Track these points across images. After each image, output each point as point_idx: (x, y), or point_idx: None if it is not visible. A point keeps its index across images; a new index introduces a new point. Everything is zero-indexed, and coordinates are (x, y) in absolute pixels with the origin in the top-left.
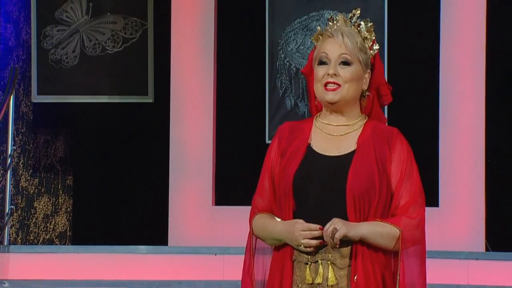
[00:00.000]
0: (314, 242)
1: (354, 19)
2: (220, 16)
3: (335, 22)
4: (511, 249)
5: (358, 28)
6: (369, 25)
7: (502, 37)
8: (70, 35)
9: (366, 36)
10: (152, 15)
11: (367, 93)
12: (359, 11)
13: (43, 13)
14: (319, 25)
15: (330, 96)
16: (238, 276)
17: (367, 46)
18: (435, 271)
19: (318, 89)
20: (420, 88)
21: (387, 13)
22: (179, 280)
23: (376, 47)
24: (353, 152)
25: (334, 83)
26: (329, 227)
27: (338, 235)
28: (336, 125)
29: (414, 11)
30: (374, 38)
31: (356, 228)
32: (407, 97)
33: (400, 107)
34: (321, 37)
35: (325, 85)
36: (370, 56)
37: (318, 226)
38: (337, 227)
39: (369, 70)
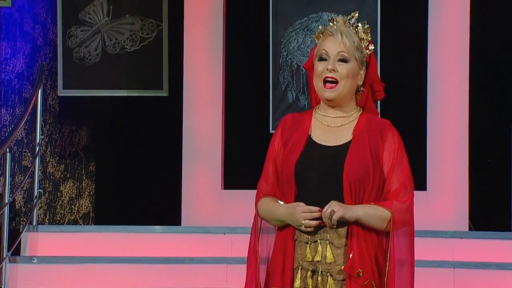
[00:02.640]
0: (313, 222)
1: (353, 20)
2: (228, 18)
3: (335, 22)
4: (492, 229)
5: (356, 29)
6: (365, 26)
7: (483, 39)
8: (93, 35)
9: (362, 36)
10: (166, 17)
11: (362, 88)
12: (357, 14)
13: (68, 15)
14: (320, 25)
15: (328, 94)
16: (245, 253)
17: (363, 45)
18: (423, 248)
19: (317, 84)
20: (410, 84)
21: (380, 15)
22: (191, 257)
23: (371, 47)
24: (349, 142)
25: (332, 77)
26: (327, 209)
27: (335, 217)
28: (334, 117)
29: (404, 14)
30: (370, 38)
31: (352, 211)
32: (398, 92)
33: (392, 100)
34: (322, 36)
35: (324, 81)
36: (366, 55)
37: (317, 208)
38: (335, 209)
39: (364, 68)
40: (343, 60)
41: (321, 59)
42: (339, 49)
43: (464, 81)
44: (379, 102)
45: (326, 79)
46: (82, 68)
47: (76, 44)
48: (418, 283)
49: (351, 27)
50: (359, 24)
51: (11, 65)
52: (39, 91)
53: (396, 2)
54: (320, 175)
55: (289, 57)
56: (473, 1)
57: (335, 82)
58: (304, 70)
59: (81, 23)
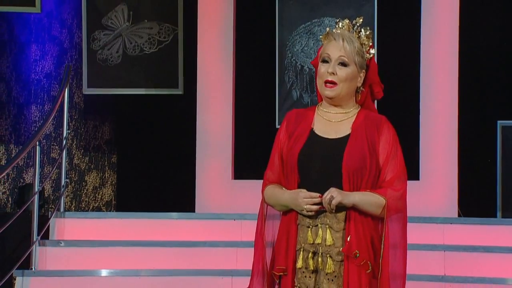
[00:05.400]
0: (314, 207)
1: (357, 26)
2: (238, 23)
3: (340, 25)
4: (479, 215)
5: (359, 34)
6: (367, 32)
7: (471, 42)
8: (114, 38)
9: (364, 42)
10: (182, 22)
11: (361, 88)
12: (361, 20)
13: (92, 20)
14: (328, 27)
15: (327, 92)
16: (253, 237)
17: (364, 50)
18: (416, 233)
19: (319, 83)
20: (404, 83)
21: (377, 21)
22: (204, 241)
23: (372, 51)
24: (348, 135)
25: (331, 81)
26: (327, 195)
27: (334, 202)
28: (334, 113)
29: (399, 19)
30: (371, 43)
31: (350, 197)
32: (393, 90)
33: (388, 98)
34: (327, 38)
35: (325, 82)
36: (366, 58)
37: (318, 194)
38: (334, 195)
39: (364, 70)
40: (343, 64)
41: (324, 61)
42: (340, 54)
43: (453, 81)
44: (375, 100)
45: (327, 81)
46: (105, 69)
47: (99, 46)
48: (411, 264)
49: (355, 32)
50: (362, 30)
51: (40, 66)
52: (66, 89)
53: (392, 9)
54: (321, 164)
55: (294, 58)
56: (462, 7)
57: (335, 84)
58: (307, 71)
59: (104, 28)
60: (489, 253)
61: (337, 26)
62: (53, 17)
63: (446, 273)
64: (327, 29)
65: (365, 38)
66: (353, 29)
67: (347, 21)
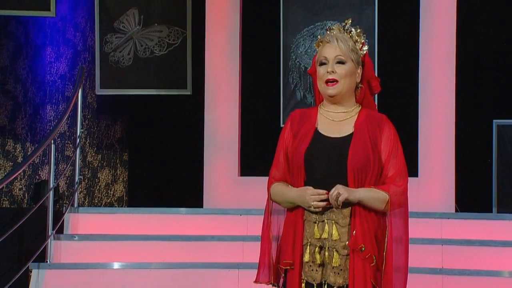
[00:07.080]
0: (321, 204)
1: (347, 27)
2: (244, 26)
3: (331, 31)
4: (475, 210)
5: (350, 34)
6: (358, 31)
7: (468, 42)
8: (126, 41)
9: (356, 39)
10: (190, 25)
11: (360, 85)
12: (350, 21)
13: (105, 23)
14: (320, 34)
15: (330, 91)
16: (259, 232)
17: (358, 47)
18: (415, 228)
19: (320, 85)
20: (404, 81)
21: (377, 22)
22: (211, 235)
23: (365, 48)
24: (351, 134)
25: (332, 79)
26: (333, 191)
27: (341, 198)
28: (337, 112)
29: (398, 21)
30: (363, 41)
31: (355, 193)
32: (394, 88)
33: (387, 98)
34: (321, 44)
35: (326, 82)
36: (361, 55)
37: (325, 191)
38: (340, 192)
39: (360, 67)
40: (341, 62)
41: (322, 63)
42: (336, 53)
43: (451, 81)
44: (376, 97)
45: (328, 80)
46: (117, 70)
47: (111, 49)
48: (410, 258)
49: (346, 33)
50: (352, 29)
51: (55, 67)
52: (79, 90)
53: (391, 12)
54: (327, 163)
55: (297, 60)
56: (459, 9)
57: (336, 81)
58: None
59: (116, 31)
60: (485, 246)
61: (328, 32)
62: (67, 21)
63: (443, 266)
64: (319, 36)
65: (356, 36)
66: (344, 30)
67: (337, 25)
